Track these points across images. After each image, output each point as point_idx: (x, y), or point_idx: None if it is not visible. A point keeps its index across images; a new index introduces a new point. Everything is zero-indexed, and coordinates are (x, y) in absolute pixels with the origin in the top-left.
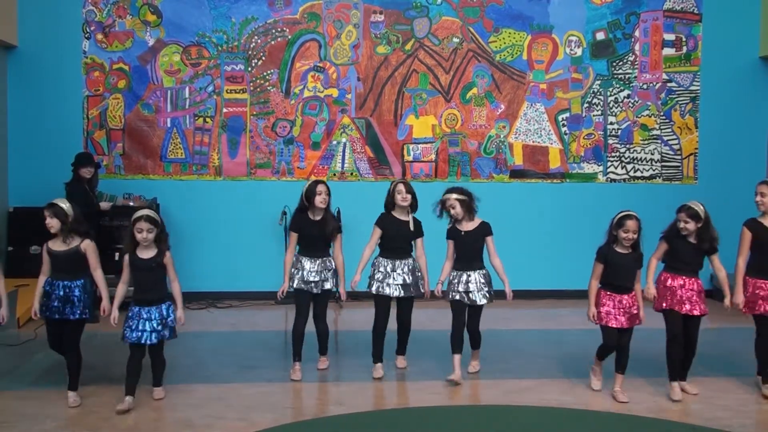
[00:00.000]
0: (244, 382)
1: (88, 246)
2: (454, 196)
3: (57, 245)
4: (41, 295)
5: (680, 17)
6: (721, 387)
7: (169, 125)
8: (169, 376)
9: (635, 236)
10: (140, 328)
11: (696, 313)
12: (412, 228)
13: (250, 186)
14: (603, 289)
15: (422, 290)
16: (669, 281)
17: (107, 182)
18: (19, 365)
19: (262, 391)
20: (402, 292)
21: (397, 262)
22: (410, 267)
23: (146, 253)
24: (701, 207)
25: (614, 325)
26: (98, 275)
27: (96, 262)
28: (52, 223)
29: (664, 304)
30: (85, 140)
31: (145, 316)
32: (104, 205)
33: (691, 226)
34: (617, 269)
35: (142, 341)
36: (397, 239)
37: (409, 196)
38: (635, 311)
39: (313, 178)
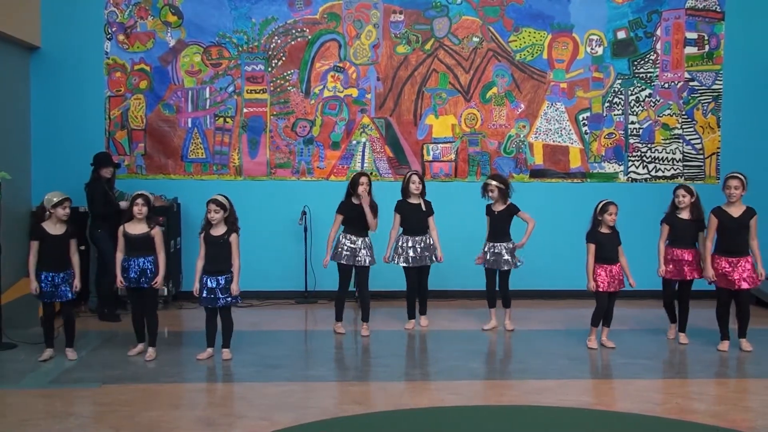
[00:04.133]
0: (265, 381)
1: (157, 232)
2: (494, 183)
3: (134, 229)
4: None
5: (702, 15)
6: (745, 388)
7: (189, 125)
8: (190, 375)
9: (616, 218)
10: (206, 294)
11: (689, 278)
12: (423, 209)
13: (270, 186)
14: (596, 263)
15: (434, 259)
16: (672, 255)
17: (129, 182)
18: (42, 363)
19: (283, 390)
20: (415, 262)
21: (416, 238)
22: (425, 242)
23: (216, 231)
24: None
25: (605, 289)
26: (162, 257)
27: (162, 246)
28: (143, 211)
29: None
30: (106, 140)
31: (209, 284)
32: (124, 204)
33: (687, 199)
34: (607, 246)
35: (202, 304)
36: (412, 220)
37: (420, 186)
38: (621, 278)
39: (356, 170)
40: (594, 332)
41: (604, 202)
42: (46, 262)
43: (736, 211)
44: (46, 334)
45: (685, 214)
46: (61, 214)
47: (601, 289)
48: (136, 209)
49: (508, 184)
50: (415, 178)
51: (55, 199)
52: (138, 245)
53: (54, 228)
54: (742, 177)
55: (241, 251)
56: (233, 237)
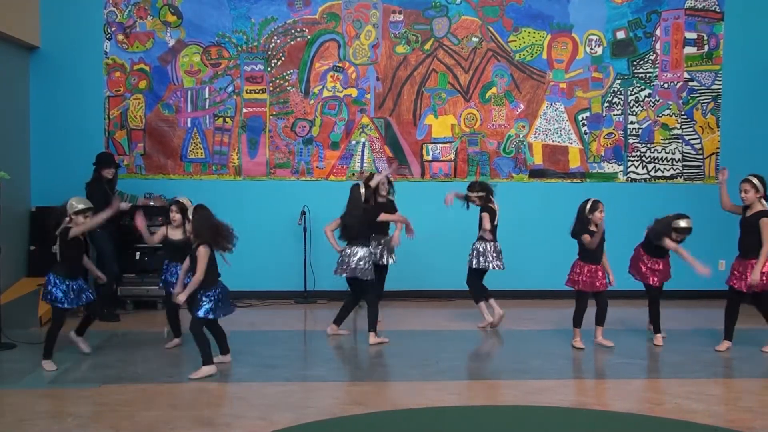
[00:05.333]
0: (264, 381)
1: (201, 251)
2: (475, 194)
3: (175, 234)
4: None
5: (702, 15)
6: (744, 388)
7: (189, 125)
8: (189, 375)
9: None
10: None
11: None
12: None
13: (269, 186)
14: (582, 262)
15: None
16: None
17: (128, 182)
18: (41, 364)
19: (281, 390)
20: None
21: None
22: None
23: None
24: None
25: (587, 290)
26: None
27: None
28: (176, 218)
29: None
30: (106, 140)
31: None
32: (124, 205)
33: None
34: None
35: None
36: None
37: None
38: (605, 278)
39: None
40: (578, 333)
41: (593, 201)
42: (69, 268)
43: (748, 213)
44: (49, 346)
45: None
46: (81, 222)
47: (584, 290)
48: (170, 215)
49: (488, 190)
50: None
51: (79, 206)
52: (177, 251)
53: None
54: (752, 180)
55: (241, 251)
56: (199, 250)
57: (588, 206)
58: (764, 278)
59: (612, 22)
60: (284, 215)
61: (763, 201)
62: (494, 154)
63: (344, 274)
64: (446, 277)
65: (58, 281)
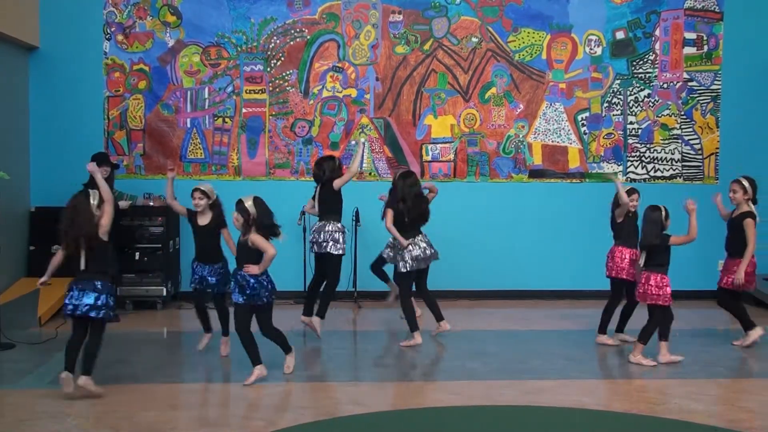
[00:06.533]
0: (264, 381)
1: (256, 238)
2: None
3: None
4: None
5: (701, 16)
6: (744, 388)
7: (188, 125)
8: (189, 375)
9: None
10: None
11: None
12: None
13: (269, 186)
14: (660, 273)
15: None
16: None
17: (128, 182)
18: (40, 364)
19: (281, 390)
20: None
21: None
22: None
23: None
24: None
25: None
26: (267, 259)
27: (266, 245)
28: (240, 219)
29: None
30: (105, 140)
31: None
32: (123, 204)
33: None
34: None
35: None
36: None
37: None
38: None
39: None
40: (665, 346)
41: (665, 208)
42: (196, 254)
43: (735, 213)
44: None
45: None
46: (193, 204)
47: (669, 303)
48: (233, 216)
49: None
50: None
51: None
52: (239, 255)
53: (201, 218)
54: (742, 181)
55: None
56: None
57: (663, 216)
58: (746, 278)
59: (611, 23)
60: (284, 215)
61: (751, 203)
62: (494, 155)
63: (423, 265)
64: (446, 277)
65: (193, 264)
